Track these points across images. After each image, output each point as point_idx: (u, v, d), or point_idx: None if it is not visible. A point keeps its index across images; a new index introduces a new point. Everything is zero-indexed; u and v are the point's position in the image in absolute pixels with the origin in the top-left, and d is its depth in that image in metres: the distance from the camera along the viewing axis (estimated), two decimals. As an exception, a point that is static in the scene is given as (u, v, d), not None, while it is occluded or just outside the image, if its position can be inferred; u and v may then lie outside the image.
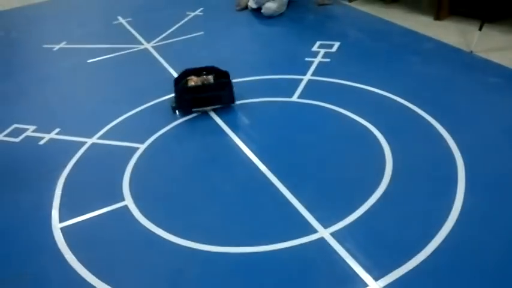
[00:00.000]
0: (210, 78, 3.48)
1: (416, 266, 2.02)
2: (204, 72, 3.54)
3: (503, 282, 1.93)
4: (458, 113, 3.07)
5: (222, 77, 3.48)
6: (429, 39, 4.20)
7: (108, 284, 2.13)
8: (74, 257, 2.31)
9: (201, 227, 2.42)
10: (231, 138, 3.09)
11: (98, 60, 4.58)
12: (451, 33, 4.26)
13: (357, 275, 2.02)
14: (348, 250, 2.15)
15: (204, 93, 3.38)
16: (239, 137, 3.08)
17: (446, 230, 2.18)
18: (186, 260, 2.24)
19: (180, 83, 3.48)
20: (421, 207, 2.36)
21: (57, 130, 3.40)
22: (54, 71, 4.52)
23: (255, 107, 3.43)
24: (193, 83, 3.46)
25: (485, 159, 2.63)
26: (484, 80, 3.43)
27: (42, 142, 3.29)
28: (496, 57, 3.70)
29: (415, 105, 3.16)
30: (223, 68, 3.53)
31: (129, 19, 5.62)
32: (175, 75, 4.01)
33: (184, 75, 3.54)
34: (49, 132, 3.39)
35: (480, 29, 3.83)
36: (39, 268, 2.30)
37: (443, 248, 2.10)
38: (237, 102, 3.44)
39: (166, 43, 4.80)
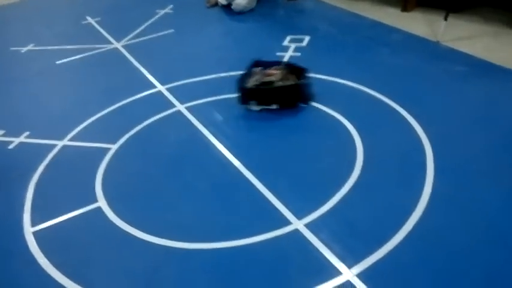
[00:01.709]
0: (277, 73, 3.27)
1: (388, 252, 2.06)
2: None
3: (472, 265, 1.98)
4: (427, 102, 3.12)
5: (298, 74, 3.28)
6: (397, 31, 4.27)
7: (84, 287, 2.12)
8: (48, 262, 2.28)
9: (176, 225, 2.42)
10: (204, 134, 3.09)
11: (67, 61, 4.52)
12: (418, 24, 4.33)
13: (331, 264, 2.05)
14: (321, 240, 2.17)
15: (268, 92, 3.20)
16: (212, 133, 3.08)
17: (417, 216, 2.23)
18: (162, 258, 2.23)
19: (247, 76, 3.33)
20: (391, 195, 2.40)
21: (26, 133, 3.35)
22: (22, 74, 4.44)
23: (227, 102, 3.43)
24: (255, 81, 3.28)
25: (453, 147, 2.69)
26: (451, 69, 3.50)
27: (11, 146, 3.24)
28: (462, 46, 3.77)
29: (385, 95, 3.20)
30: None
31: (98, 19, 5.56)
32: (146, 73, 3.99)
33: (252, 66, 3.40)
34: (18, 136, 3.33)
35: (445, 19, 3.90)
36: (12, 274, 2.26)
37: (415, 233, 2.14)
38: (210, 99, 3.45)
39: (137, 42, 4.76)
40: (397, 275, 1.97)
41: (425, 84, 3.34)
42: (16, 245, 2.41)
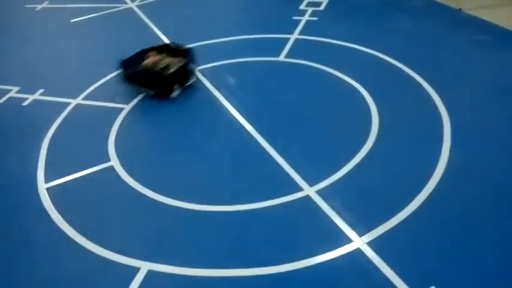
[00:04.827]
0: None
1: (401, 222, 2.05)
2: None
3: (484, 236, 1.96)
4: (446, 71, 3.05)
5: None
6: (419, -4, 4.14)
7: (96, 243, 2.15)
8: (60, 217, 2.31)
9: (187, 187, 2.42)
10: (216, 98, 3.06)
11: (81, 19, 4.47)
12: (441, -10, 4.20)
13: (342, 231, 2.05)
14: (333, 207, 2.16)
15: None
16: (225, 97, 3.05)
17: (431, 187, 2.20)
18: (173, 219, 2.24)
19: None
20: (406, 165, 2.37)
21: (41, 91, 3.35)
22: (36, 31, 4.42)
23: (241, 66, 3.38)
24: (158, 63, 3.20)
25: (470, 117, 2.63)
26: (472, 38, 3.40)
27: (26, 103, 3.24)
28: (485, 15, 3.65)
29: (403, 63, 3.13)
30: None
31: (113, -23, 5.46)
32: (160, 35, 3.93)
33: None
34: (33, 93, 3.33)
35: (470, -14, 3.78)
36: (25, 228, 2.30)
37: (428, 204, 2.12)
38: (224, 62, 3.40)
39: (151, 1, 4.68)
40: (409, 245, 1.96)
41: (445, 53, 3.26)
42: (30, 200, 2.45)
